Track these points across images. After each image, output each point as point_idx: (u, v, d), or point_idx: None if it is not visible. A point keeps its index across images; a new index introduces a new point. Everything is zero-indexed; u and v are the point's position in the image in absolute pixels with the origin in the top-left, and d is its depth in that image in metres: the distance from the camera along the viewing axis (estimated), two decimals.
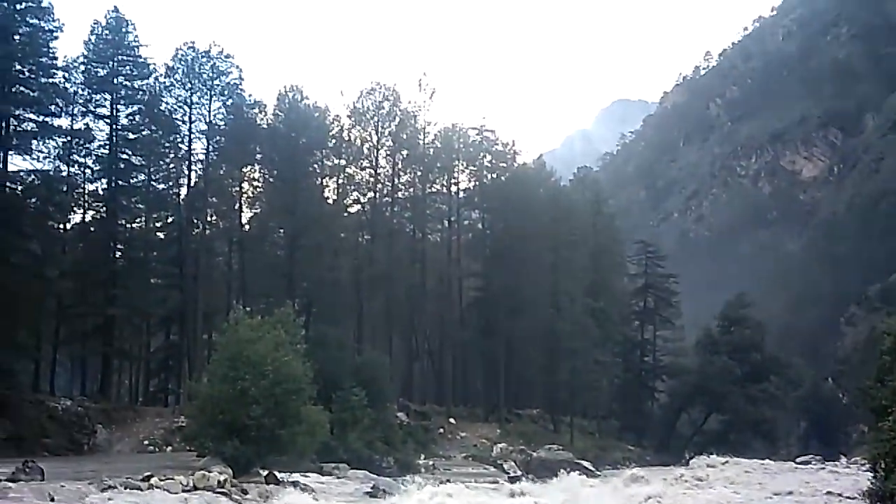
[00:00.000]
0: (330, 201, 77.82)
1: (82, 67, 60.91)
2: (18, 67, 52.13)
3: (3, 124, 51.84)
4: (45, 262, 54.89)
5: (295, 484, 35.04)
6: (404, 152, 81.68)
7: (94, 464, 38.76)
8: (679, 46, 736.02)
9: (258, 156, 71.85)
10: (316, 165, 74.84)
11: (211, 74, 66.42)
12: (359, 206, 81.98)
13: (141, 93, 63.17)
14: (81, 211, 63.38)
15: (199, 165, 68.04)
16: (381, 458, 49.91)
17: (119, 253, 63.83)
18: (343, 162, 78.59)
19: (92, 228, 63.30)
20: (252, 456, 36.25)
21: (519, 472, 54.63)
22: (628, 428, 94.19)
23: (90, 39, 61.10)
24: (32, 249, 54.68)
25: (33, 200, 55.03)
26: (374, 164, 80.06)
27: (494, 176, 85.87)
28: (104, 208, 62.55)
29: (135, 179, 63.92)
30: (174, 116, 65.97)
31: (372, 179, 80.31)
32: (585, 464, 58.38)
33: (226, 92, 66.97)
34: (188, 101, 66.12)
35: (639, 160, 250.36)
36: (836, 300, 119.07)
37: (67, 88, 58.82)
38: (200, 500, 29.17)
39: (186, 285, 65.16)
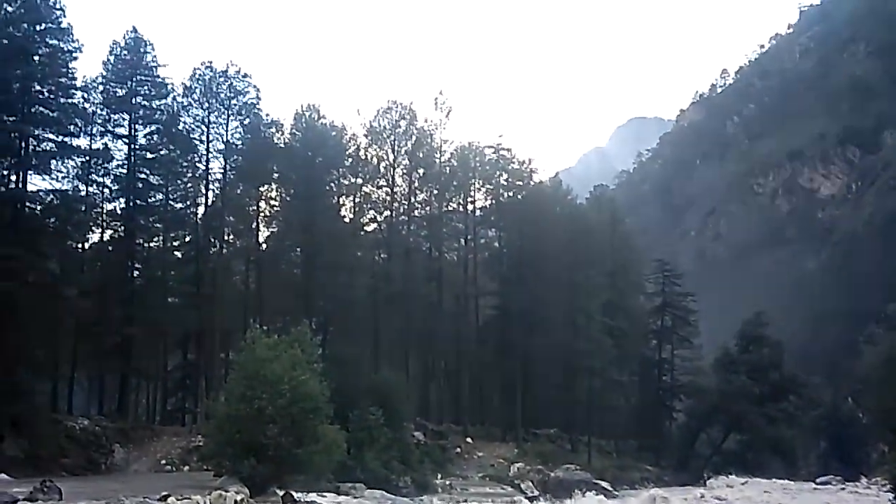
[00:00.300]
0: (347, 220, 77.80)
1: (101, 87, 61.49)
2: (38, 88, 52.45)
3: (23, 144, 52.11)
4: (63, 282, 55.01)
5: None
6: (421, 171, 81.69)
7: (111, 483, 38.75)
8: (695, 64, 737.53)
9: (275, 175, 71.94)
10: (333, 184, 74.94)
11: (228, 94, 66.69)
12: (375, 225, 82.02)
13: (159, 112, 63.61)
14: (100, 230, 63.89)
15: (217, 184, 68.17)
16: (397, 478, 49.77)
17: (137, 272, 64.22)
18: (360, 180, 78.69)
19: (110, 248, 63.72)
20: (269, 475, 36.14)
21: (537, 493, 54.52)
22: (646, 448, 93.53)
23: (109, 60, 61.67)
24: (51, 269, 54.85)
25: (52, 220, 55.25)
26: (390, 182, 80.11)
27: (511, 194, 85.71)
28: (122, 227, 62.94)
29: (153, 199, 64.31)
30: (192, 136, 66.24)
31: (388, 198, 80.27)
32: (604, 484, 58.27)
33: (243, 111, 67.20)
34: (206, 120, 66.39)
35: (655, 178, 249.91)
36: (856, 319, 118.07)
37: (86, 108, 59.26)
38: None
39: (204, 304, 65.11)
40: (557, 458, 72.19)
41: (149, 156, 62.97)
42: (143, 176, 62.64)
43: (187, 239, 69.77)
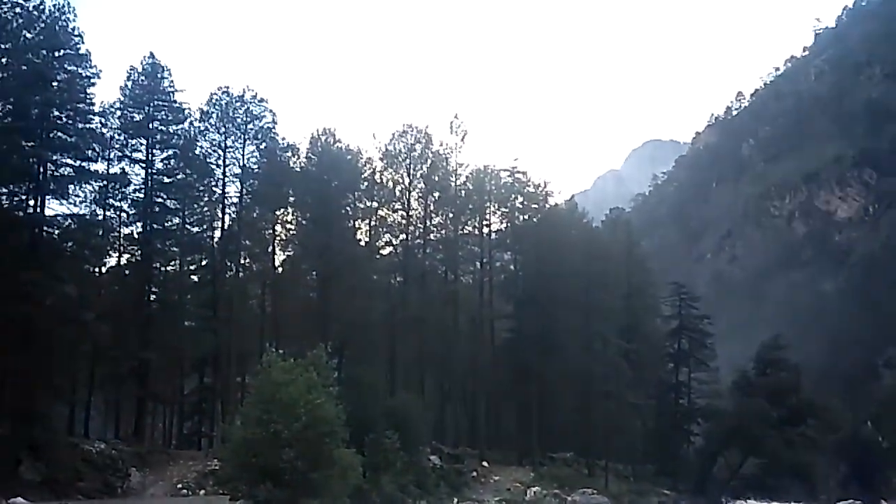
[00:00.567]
0: (362, 243, 78.04)
1: (119, 112, 61.89)
2: (56, 113, 52.74)
3: (41, 169, 52.41)
4: (80, 306, 55.05)
5: None
6: (436, 194, 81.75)
7: None
8: (711, 87, 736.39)
9: (291, 198, 72.27)
10: (348, 208, 75.19)
11: (245, 119, 67.15)
12: (391, 248, 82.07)
13: (176, 137, 63.93)
14: (116, 254, 64.08)
15: (233, 208, 68.55)
16: (413, 502, 49.68)
17: (153, 296, 64.32)
18: (375, 204, 78.92)
19: (127, 272, 63.93)
20: (285, 499, 36.13)
21: None
22: (663, 472, 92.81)
23: (126, 85, 62.11)
24: (68, 292, 54.96)
25: (70, 244, 55.51)
26: (406, 206, 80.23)
27: (526, 217, 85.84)
28: (139, 251, 63.16)
29: (169, 223, 64.53)
30: (208, 160, 66.68)
31: (404, 221, 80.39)
32: None
33: (259, 136, 67.61)
34: (222, 144, 66.84)
35: (671, 201, 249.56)
36: (874, 342, 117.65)
37: (104, 133, 59.52)
38: None
39: (220, 328, 65.24)
40: (574, 482, 71.84)
41: (166, 180, 63.27)
42: (159, 200, 62.94)
43: (203, 263, 70.01)
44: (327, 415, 37.16)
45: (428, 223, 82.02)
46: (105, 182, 60.05)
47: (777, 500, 76.06)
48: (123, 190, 62.28)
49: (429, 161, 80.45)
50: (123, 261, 64.18)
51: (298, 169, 72.92)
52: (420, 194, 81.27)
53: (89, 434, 59.43)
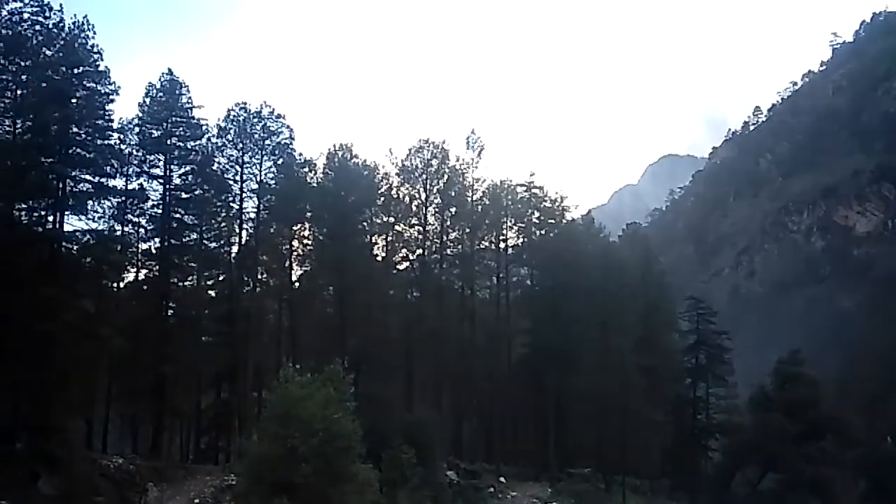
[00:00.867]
0: (379, 259, 78.15)
1: (137, 129, 62.24)
2: (75, 130, 53.00)
3: (60, 185, 52.68)
4: (98, 321, 55.33)
5: None
6: (453, 209, 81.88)
7: None
8: (727, 102, 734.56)
9: (308, 214, 72.50)
10: (365, 223, 75.34)
11: (262, 134, 67.47)
12: (408, 264, 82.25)
13: (194, 153, 64.12)
14: (135, 270, 64.43)
15: (250, 224, 68.87)
16: None
17: (171, 311, 64.52)
18: (392, 219, 79.07)
19: (145, 287, 64.22)
20: None
21: None
22: (681, 487, 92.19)
23: (145, 101, 62.41)
24: (86, 308, 55.24)
25: (88, 260, 55.73)
26: (422, 221, 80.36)
27: (543, 232, 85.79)
28: (157, 267, 63.43)
29: (187, 238, 64.70)
30: (226, 176, 66.97)
31: (420, 237, 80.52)
32: None
33: (276, 151, 67.92)
34: (240, 160, 67.15)
35: (688, 216, 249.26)
36: (893, 356, 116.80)
37: (122, 149, 59.89)
38: None
39: (237, 343, 65.42)
40: (591, 498, 71.60)
41: (183, 196, 63.48)
42: (177, 216, 63.18)
43: (221, 278, 70.15)
44: (344, 430, 37.12)
45: (444, 238, 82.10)
46: (123, 198, 60.49)
47: None
48: (141, 206, 62.69)
49: (445, 176, 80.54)
50: (141, 276, 64.59)
51: (315, 184, 73.17)
52: (436, 209, 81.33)
53: (107, 449, 59.57)
